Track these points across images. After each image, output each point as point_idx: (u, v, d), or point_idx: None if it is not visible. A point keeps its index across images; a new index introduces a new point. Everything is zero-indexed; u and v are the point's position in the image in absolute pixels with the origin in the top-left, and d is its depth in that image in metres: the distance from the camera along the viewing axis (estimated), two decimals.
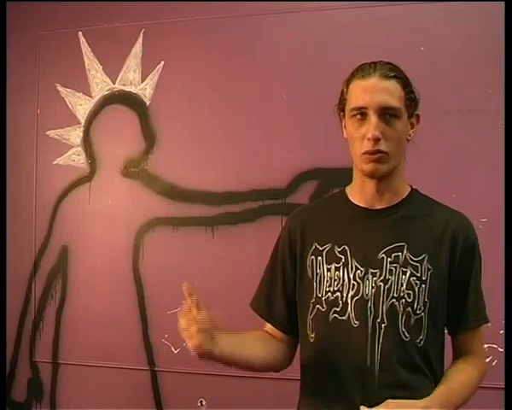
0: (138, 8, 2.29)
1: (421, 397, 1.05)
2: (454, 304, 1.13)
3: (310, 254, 1.16)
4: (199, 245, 2.19)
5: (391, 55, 2.02)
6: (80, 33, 2.36)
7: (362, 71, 1.10)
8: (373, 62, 1.10)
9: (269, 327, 1.25)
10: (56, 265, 2.36)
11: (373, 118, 1.05)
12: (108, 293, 2.29)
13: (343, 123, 1.16)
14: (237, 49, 2.19)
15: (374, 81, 1.07)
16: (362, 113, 1.07)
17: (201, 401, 2.18)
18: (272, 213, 2.09)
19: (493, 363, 1.88)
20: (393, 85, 1.07)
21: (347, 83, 1.13)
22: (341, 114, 1.17)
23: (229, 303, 2.14)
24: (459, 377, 1.12)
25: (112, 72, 2.32)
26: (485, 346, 1.87)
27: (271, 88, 2.14)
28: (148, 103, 2.28)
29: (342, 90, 1.14)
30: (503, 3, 1.67)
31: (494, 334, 1.87)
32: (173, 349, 2.20)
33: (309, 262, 1.16)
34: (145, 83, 2.28)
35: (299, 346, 1.23)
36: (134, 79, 2.30)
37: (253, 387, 2.08)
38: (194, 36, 2.23)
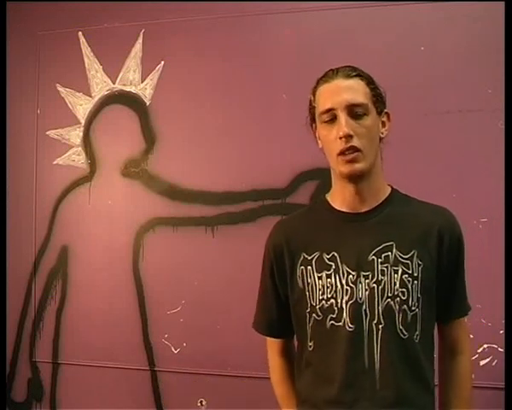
0: (138, 8, 2.29)
1: (422, 394, 1.10)
2: (445, 295, 1.16)
3: (299, 265, 1.16)
4: (199, 245, 2.19)
5: (391, 55, 2.04)
6: (80, 33, 2.36)
7: (325, 77, 1.14)
8: (335, 68, 1.14)
9: (276, 340, 1.29)
10: (56, 265, 2.36)
11: (342, 117, 1.08)
12: (108, 293, 2.29)
13: (316, 134, 1.19)
14: (237, 49, 2.19)
15: (337, 82, 1.11)
16: (331, 115, 1.10)
17: (201, 401, 2.18)
18: (272, 213, 2.08)
19: (493, 363, 1.88)
20: (357, 83, 1.11)
21: (313, 91, 1.17)
22: (313, 125, 1.19)
23: (229, 303, 2.14)
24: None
25: (112, 72, 2.32)
26: (485, 346, 1.90)
27: (271, 88, 2.14)
28: (148, 103, 2.28)
29: (310, 100, 1.18)
30: (502, 3, 1.67)
31: (494, 334, 1.87)
32: (173, 349, 2.21)
33: (299, 273, 1.16)
34: (145, 83, 2.28)
35: None
36: (134, 79, 2.30)
37: (253, 387, 2.08)
38: (194, 36, 2.23)
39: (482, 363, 1.88)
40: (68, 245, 2.35)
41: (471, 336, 1.84)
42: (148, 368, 2.24)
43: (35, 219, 2.39)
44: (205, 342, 2.16)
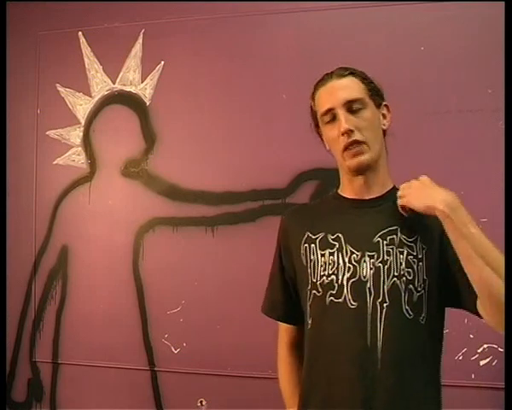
0: (138, 8, 2.29)
1: (423, 376, 1.08)
2: (461, 282, 1.09)
3: (303, 242, 1.19)
4: (199, 245, 2.19)
5: (391, 55, 2.04)
6: (80, 33, 2.36)
7: (322, 81, 1.20)
8: (330, 71, 1.20)
9: (286, 329, 1.31)
10: (56, 265, 2.36)
11: (341, 114, 1.12)
12: (108, 293, 2.29)
13: (322, 137, 1.23)
14: (237, 49, 2.19)
15: (332, 83, 1.17)
16: (331, 114, 1.15)
17: (201, 401, 2.18)
18: (272, 213, 2.09)
19: (493, 363, 1.88)
20: (351, 80, 1.16)
21: (312, 96, 1.22)
22: (318, 130, 1.23)
23: (229, 303, 2.14)
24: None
25: (112, 72, 2.32)
26: (485, 346, 1.89)
27: (271, 88, 2.14)
28: (148, 103, 2.28)
29: (311, 106, 1.22)
30: (502, 3, 1.67)
31: (494, 334, 1.86)
32: (173, 349, 2.20)
33: (302, 250, 1.18)
34: (145, 83, 2.28)
35: None
36: (134, 79, 2.30)
37: (253, 387, 2.08)
38: (194, 36, 2.23)
39: (482, 363, 1.88)
40: (68, 245, 2.35)
41: (471, 336, 1.84)
42: (148, 368, 2.24)
43: (35, 219, 2.39)
44: (205, 342, 2.16)
